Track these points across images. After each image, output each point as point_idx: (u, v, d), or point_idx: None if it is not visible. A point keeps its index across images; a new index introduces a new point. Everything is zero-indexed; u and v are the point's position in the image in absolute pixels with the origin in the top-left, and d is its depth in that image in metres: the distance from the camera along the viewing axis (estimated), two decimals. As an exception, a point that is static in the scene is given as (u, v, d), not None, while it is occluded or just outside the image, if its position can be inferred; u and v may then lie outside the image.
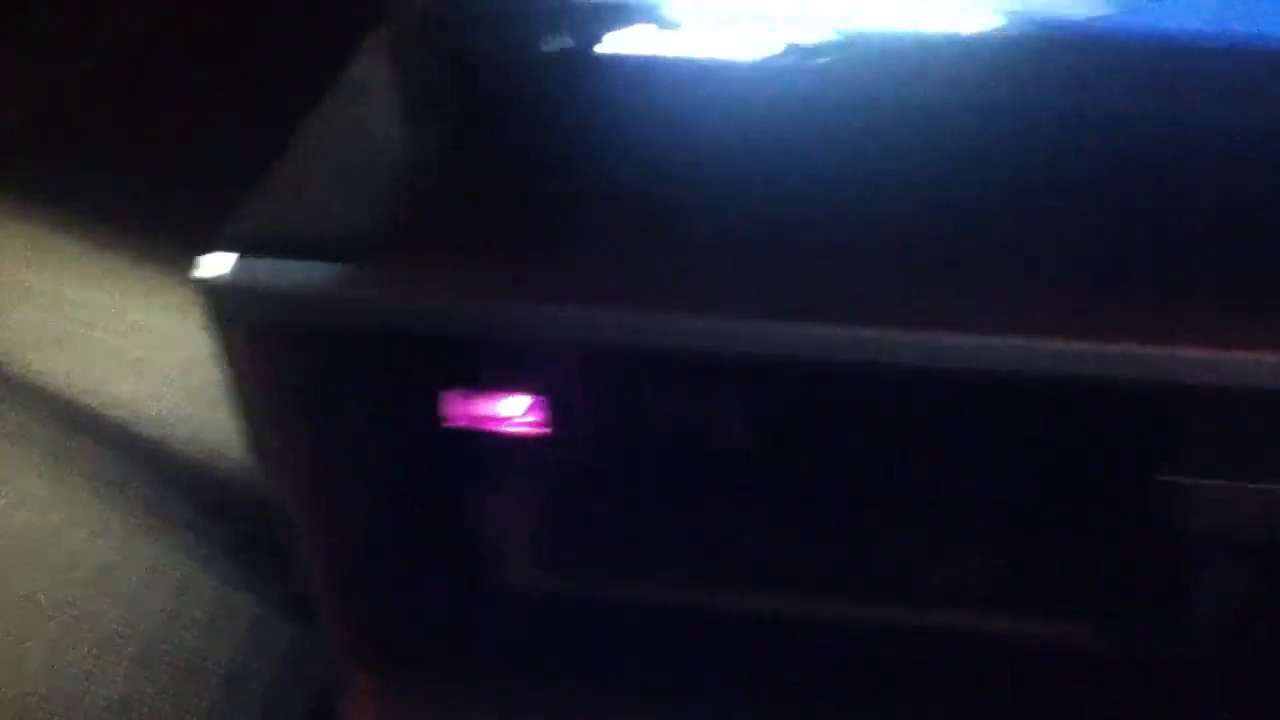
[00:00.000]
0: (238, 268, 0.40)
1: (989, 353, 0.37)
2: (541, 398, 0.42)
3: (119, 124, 0.80)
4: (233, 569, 0.61)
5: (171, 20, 0.84)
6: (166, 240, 0.72)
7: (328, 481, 0.44)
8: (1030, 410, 0.41)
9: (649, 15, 0.38)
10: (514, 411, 0.43)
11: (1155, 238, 0.39)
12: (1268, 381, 0.35)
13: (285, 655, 0.59)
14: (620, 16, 0.38)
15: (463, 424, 0.43)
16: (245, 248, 0.41)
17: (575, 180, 0.41)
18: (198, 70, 0.82)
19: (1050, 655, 0.47)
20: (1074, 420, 0.41)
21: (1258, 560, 0.42)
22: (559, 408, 0.42)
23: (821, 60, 0.37)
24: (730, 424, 0.43)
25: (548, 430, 0.43)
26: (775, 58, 0.38)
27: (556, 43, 0.38)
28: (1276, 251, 0.38)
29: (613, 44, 0.38)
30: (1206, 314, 0.36)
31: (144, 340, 0.69)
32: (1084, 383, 0.36)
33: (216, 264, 0.41)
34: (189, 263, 0.41)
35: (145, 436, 0.65)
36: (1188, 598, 0.44)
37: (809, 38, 0.37)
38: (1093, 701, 0.47)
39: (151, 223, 0.73)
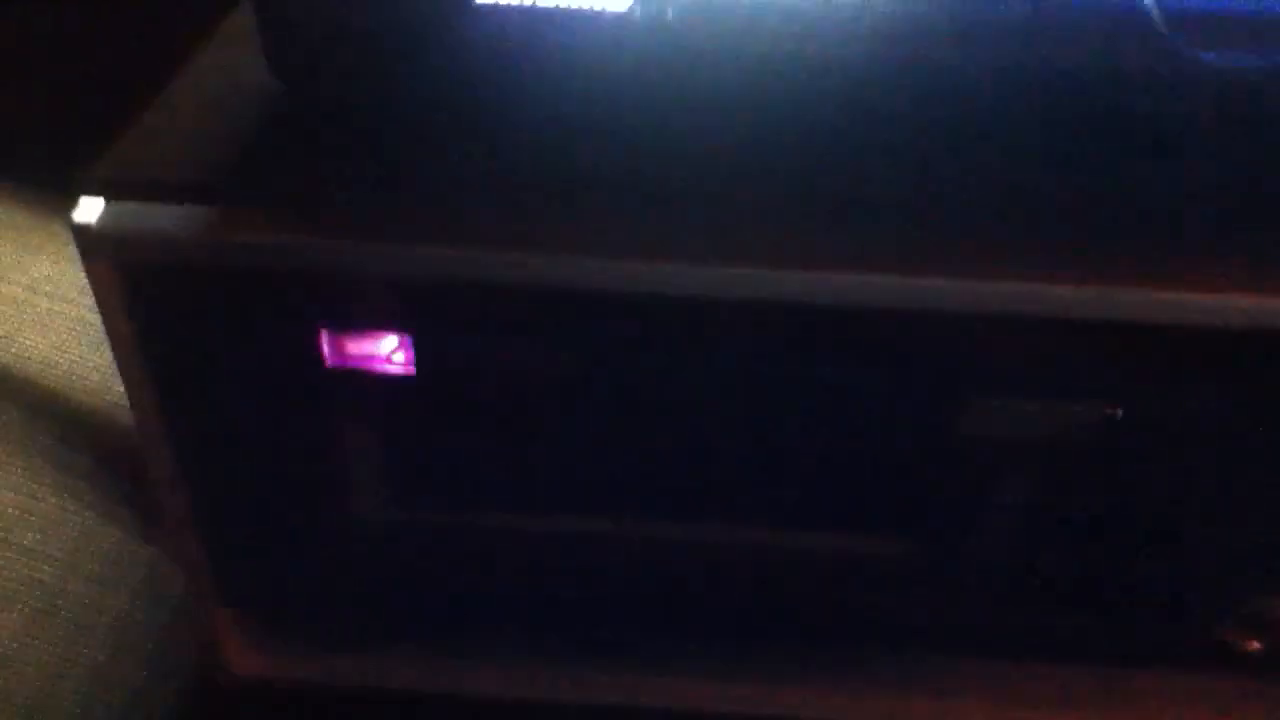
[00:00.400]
0: (107, 212, 0.41)
1: (808, 287, 0.39)
2: (407, 336, 0.43)
3: (12, 74, 0.79)
4: (133, 520, 0.61)
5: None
6: (68, 194, 0.72)
7: (197, 421, 0.45)
8: (847, 337, 0.43)
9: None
10: (379, 350, 0.43)
11: (975, 178, 0.40)
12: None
13: (178, 606, 0.59)
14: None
15: (330, 363, 0.44)
16: (115, 192, 0.41)
17: (446, 123, 0.41)
18: (89, 18, 0.81)
19: (862, 565, 0.50)
20: (881, 347, 0.43)
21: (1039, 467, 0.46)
22: (423, 347, 0.43)
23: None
24: (578, 360, 0.44)
25: (413, 369, 0.43)
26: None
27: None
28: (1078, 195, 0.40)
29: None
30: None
31: (50, 293, 0.69)
32: (892, 313, 0.39)
33: (88, 209, 0.41)
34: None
35: (51, 389, 0.65)
36: (981, 505, 0.48)
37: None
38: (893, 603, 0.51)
39: (56, 174, 0.73)
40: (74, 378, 0.66)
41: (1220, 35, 0.37)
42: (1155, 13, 0.38)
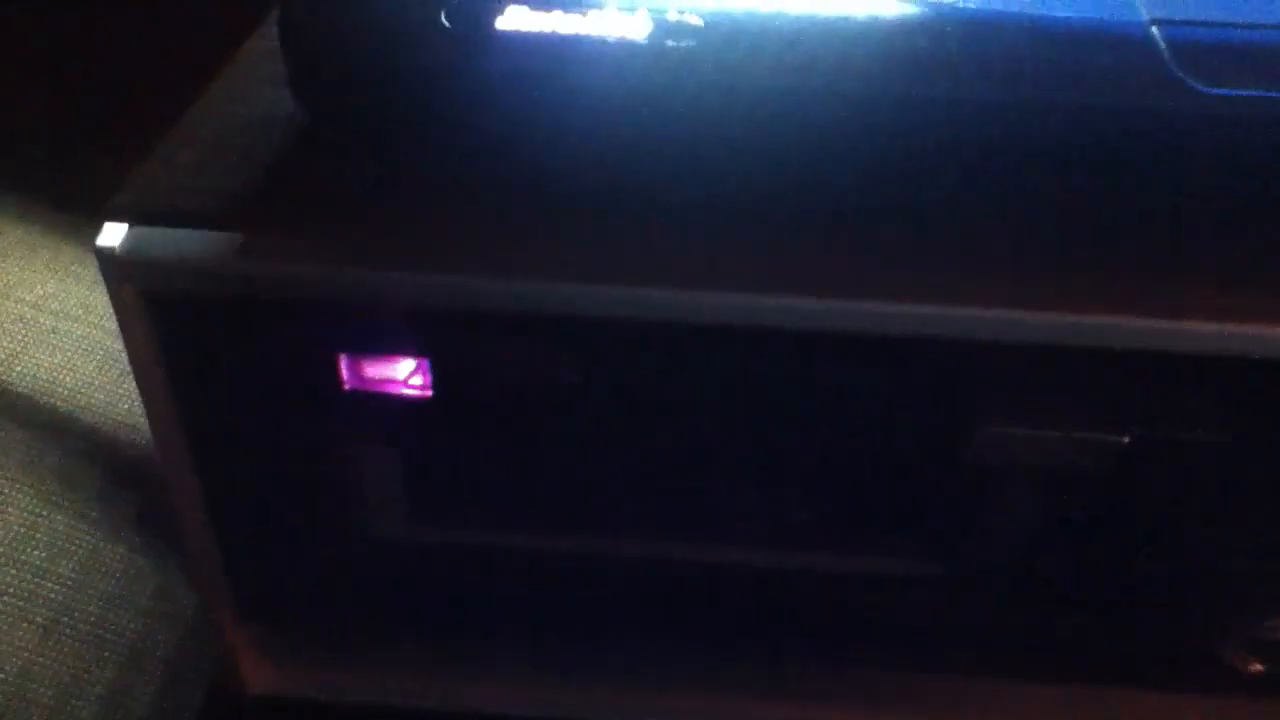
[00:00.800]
0: (131, 236, 0.41)
1: (827, 315, 0.40)
2: (424, 360, 0.44)
3: (22, 92, 0.79)
4: (141, 538, 0.62)
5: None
6: (79, 210, 0.72)
7: (218, 443, 0.45)
8: (862, 365, 0.44)
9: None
10: (398, 374, 0.44)
11: (986, 214, 0.41)
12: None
13: (190, 624, 0.59)
14: (506, -6, 0.39)
15: (349, 386, 0.44)
16: (138, 217, 0.41)
17: (460, 155, 0.42)
18: (101, 41, 0.82)
19: (878, 584, 0.51)
20: (898, 374, 0.44)
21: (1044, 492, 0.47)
22: (441, 370, 0.44)
23: (687, 43, 0.38)
24: (595, 385, 0.45)
25: (429, 391, 0.44)
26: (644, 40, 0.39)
27: (442, 21, 0.39)
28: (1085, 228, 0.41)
29: (494, 20, 0.39)
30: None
31: (56, 311, 0.69)
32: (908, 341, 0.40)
33: (112, 234, 0.41)
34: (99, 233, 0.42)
35: (57, 407, 0.65)
36: (984, 528, 0.49)
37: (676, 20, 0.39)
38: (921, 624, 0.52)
39: (63, 193, 0.74)
40: (80, 396, 0.66)
41: (1228, 68, 0.38)
42: (1163, 45, 0.39)
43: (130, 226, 0.41)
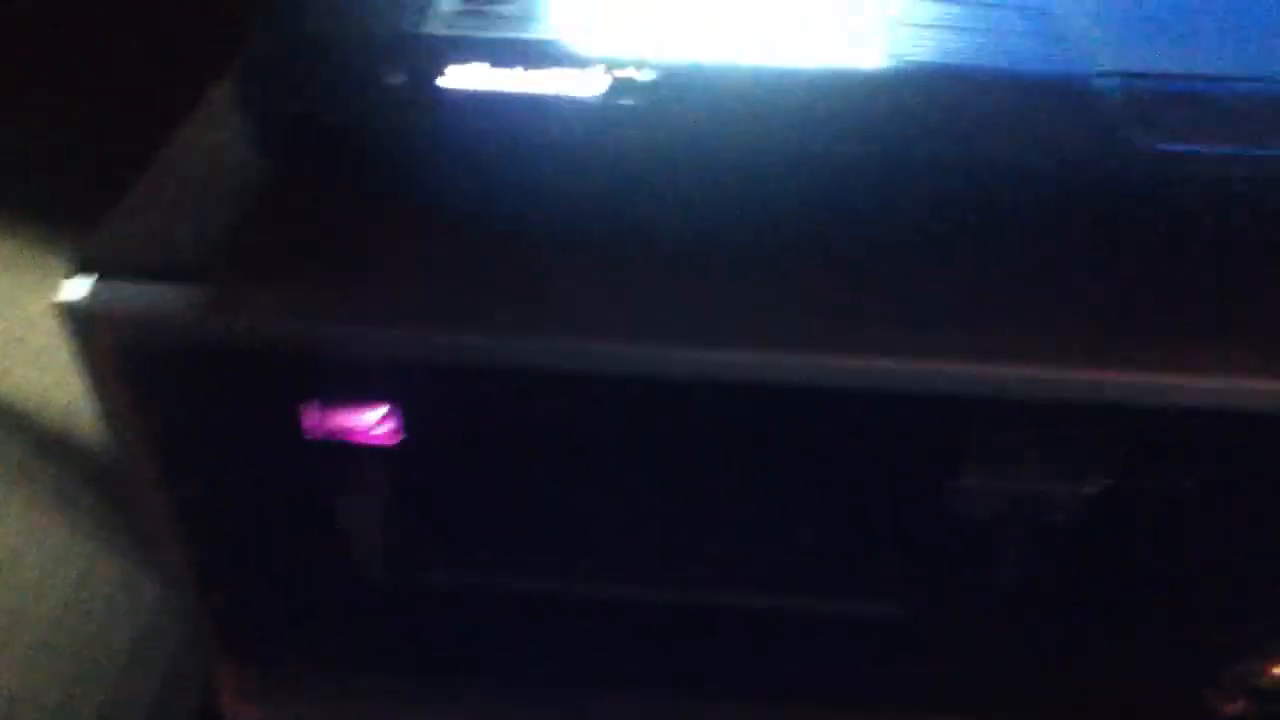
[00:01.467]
0: (95, 291, 0.42)
1: (802, 369, 0.40)
2: (394, 408, 0.44)
3: (13, 105, 0.80)
4: (135, 555, 0.62)
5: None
6: (64, 228, 0.73)
7: (192, 488, 0.46)
8: (843, 418, 0.44)
9: (486, 52, 0.40)
10: (368, 422, 0.45)
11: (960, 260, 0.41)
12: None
13: (181, 642, 0.60)
14: (458, 52, 0.40)
15: (320, 435, 0.45)
16: (103, 270, 0.42)
17: (419, 206, 0.42)
18: (79, 56, 0.82)
19: (865, 629, 0.52)
20: (880, 427, 0.44)
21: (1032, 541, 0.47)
22: (410, 417, 0.44)
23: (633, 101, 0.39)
24: (563, 430, 0.45)
25: (400, 436, 0.45)
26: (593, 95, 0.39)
27: (398, 76, 0.40)
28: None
29: (451, 78, 0.40)
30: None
31: (47, 328, 0.70)
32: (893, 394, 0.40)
33: (76, 288, 0.42)
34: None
35: (50, 424, 0.66)
36: (977, 574, 0.49)
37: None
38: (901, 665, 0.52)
39: (47, 211, 0.74)
40: (72, 414, 0.67)
41: (1180, 123, 0.38)
42: (1114, 98, 0.39)
43: (98, 279, 0.42)
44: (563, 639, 0.52)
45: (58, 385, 0.67)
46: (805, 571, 0.50)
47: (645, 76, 0.39)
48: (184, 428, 0.45)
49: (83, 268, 0.42)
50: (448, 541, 0.50)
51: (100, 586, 0.61)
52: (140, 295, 0.42)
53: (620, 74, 0.39)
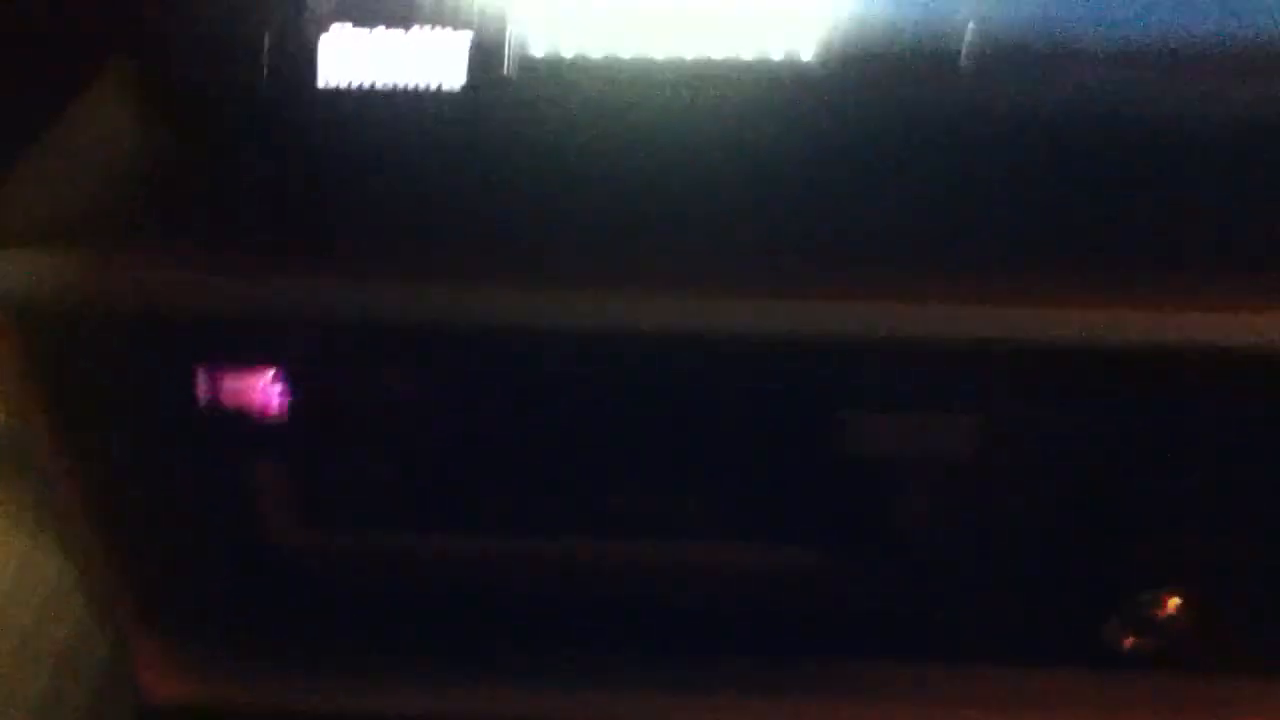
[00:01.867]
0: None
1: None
2: (286, 369, 0.44)
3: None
4: (75, 545, 0.62)
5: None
6: None
7: (96, 457, 0.46)
8: (742, 363, 0.44)
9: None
10: (261, 384, 0.45)
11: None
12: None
13: (121, 633, 0.60)
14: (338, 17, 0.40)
15: (217, 398, 0.45)
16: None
17: (311, 172, 0.42)
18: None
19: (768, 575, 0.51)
20: (779, 369, 0.44)
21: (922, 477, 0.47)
22: (300, 379, 0.44)
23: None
24: (454, 387, 0.45)
25: (291, 398, 0.45)
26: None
27: (284, 48, 0.40)
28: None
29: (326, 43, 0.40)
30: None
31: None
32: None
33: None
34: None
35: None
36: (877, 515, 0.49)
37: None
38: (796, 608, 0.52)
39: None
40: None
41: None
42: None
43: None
44: (475, 602, 0.52)
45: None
46: (710, 522, 0.49)
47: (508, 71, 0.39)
48: (80, 398, 0.45)
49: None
50: (351, 507, 0.49)
51: (40, 578, 0.60)
52: (34, 263, 0.42)
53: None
